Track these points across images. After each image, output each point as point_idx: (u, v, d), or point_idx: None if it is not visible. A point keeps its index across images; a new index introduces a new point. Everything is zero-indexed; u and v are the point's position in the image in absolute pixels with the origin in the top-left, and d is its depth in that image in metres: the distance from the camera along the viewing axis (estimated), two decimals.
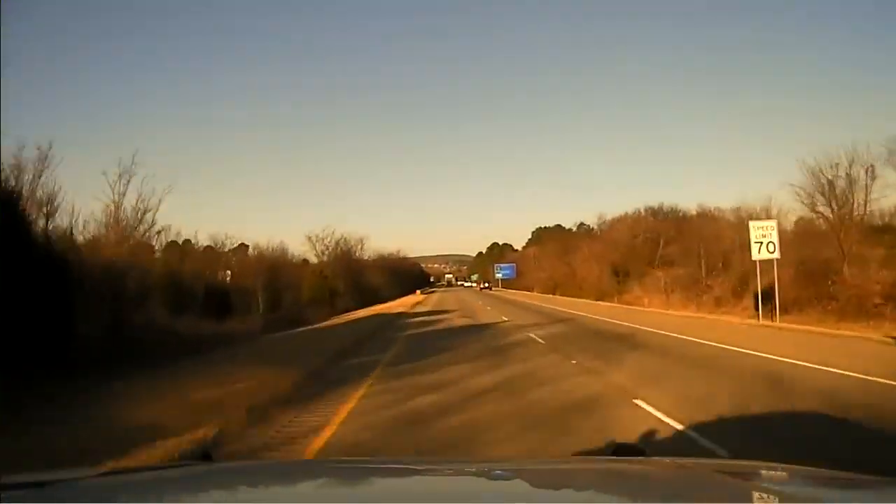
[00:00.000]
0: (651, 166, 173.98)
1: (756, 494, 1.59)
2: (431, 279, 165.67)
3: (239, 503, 1.73)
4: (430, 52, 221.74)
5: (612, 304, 41.66)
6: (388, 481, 1.89)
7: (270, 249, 55.02)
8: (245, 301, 41.19)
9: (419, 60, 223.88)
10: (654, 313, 29.61)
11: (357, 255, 66.51)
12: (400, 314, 30.75)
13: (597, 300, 48.16)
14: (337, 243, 59.52)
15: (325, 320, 33.19)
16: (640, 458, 2.15)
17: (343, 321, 29.08)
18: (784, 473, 1.87)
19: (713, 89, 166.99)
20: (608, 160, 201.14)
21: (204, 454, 2.64)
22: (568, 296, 57.39)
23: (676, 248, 48.52)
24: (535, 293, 75.81)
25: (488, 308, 35.86)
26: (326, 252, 57.22)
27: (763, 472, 1.89)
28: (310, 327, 26.90)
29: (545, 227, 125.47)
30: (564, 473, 2.03)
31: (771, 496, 1.56)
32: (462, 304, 45.16)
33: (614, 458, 2.17)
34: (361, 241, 69.92)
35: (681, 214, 58.26)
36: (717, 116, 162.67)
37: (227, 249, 51.81)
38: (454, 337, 19.23)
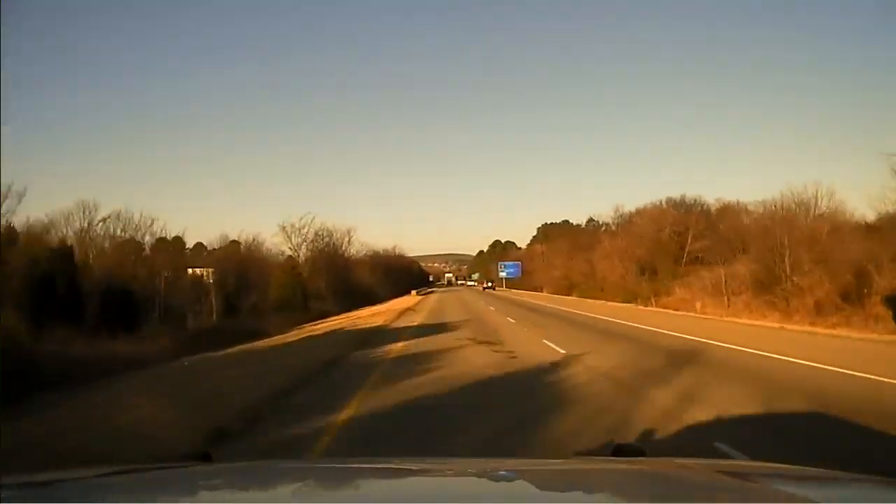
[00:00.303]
0: (652, 162, 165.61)
1: (756, 494, 1.58)
2: (431, 278, 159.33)
3: (239, 503, 1.70)
4: (428, 49, 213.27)
5: (656, 310, 33.34)
6: (387, 482, 1.86)
7: (242, 244, 46.85)
8: (197, 306, 33.01)
9: (417, 58, 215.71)
10: (750, 326, 20.92)
11: (344, 250, 57.69)
12: (378, 330, 19.28)
13: (627, 303, 40.11)
14: (317, 235, 50.47)
15: (284, 332, 24.91)
16: (640, 458, 2.09)
17: (292, 338, 20.34)
18: (784, 473, 1.87)
19: (711, 86, 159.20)
20: (610, 156, 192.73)
21: (204, 454, 2.28)
22: (588, 297, 49.15)
23: (706, 244, 43.58)
24: (545, 294, 67.68)
25: (510, 319, 23.78)
26: (304, 245, 48.30)
27: (763, 472, 1.92)
28: (244, 347, 18.42)
29: (552, 223, 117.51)
30: (565, 474, 1.99)
31: (771, 496, 1.56)
32: (468, 309, 33.83)
33: (614, 458, 2.13)
34: (349, 233, 60.63)
35: (703, 207, 52.35)
36: (717, 113, 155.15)
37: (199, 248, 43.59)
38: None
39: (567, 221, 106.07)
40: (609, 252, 51.76)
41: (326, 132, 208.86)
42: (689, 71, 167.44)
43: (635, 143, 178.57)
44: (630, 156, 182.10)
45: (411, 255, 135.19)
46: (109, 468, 1.84)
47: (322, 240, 50.13)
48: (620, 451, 2.18)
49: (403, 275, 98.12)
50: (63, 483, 1.73)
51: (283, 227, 48.97)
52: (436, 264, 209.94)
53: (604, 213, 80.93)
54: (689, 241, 49.34)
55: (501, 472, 1.90)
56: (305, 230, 49.07)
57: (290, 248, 48.56)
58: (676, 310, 32.04)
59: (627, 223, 58.64)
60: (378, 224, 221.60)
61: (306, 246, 48.46)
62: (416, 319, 24.64)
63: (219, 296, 33.07)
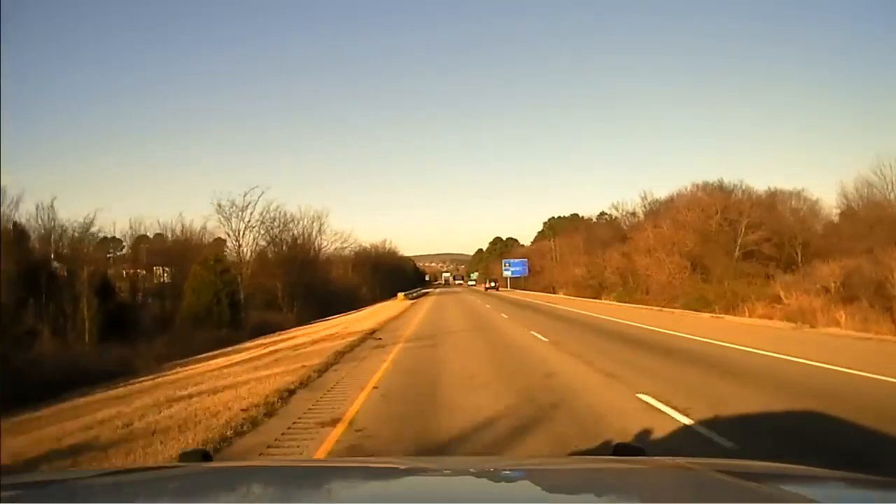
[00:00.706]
0: (664, 152, 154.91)
1: (756, 494, 1.54)
2: (427, 278, 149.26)
3: (239, 503, 1.67)
4: (420, 44, 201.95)
5: (753, 322, 21.84)
6: (387, 482, 1.84)
7: (174, 233, 35.22)
8: (61, 321, 21.38)
9: (411, 50, 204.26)
10: None
11: (313, 240, 45.60)
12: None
13: (694, 311, 28.92)
14: (263, 216, 37.68)
15: (157, 372, 13.42)
16: (639, 457, 2.06)
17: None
18: (784, 473, 1.84)
19: (721, 74, 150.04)
20: (609, 150, 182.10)
21: (204, 454, 2.25)
22: (630, 302, 37.75)
23: (762, 235, 37.37)
24: (563, 296, 56.18)
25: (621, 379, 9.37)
26: (251, 232, 36.13)
27: (763, 471, 1.87)
28: None
29: (560, 217, 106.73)
30: (564, 473, 1.95)
31: (771, 496, 1.53)
32: (493, 338, 17.38)
33: (614, 457, 2.11)
34: (319, 219, 47.94)
35: (748, 194, 43.41)
36: (713, 105, 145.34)
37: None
38: None
39: (576, 215, 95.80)
40: (653, 245, 40.57)
41: (318, 130, 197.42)
42: (697, 60, 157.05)
43: (643, 132, 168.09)
44: (639, 146, 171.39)
45: (407, 254, 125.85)
46: (109, 468, 1.83)
47: (278, 225, 37.84)
48: (620, 450, 2.15)
49: (395, 274, 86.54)
50: (63, 483, 1.73)
51: (220, 206, 36.60)
52: (433, 264, 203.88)
53: (628, 200, 68.38)
54: (742, 231, 38.52)
55: (501, 472, 1.89)
56: (250, 210, 36.68)
57: (228, 234, 35.98)
58: (806, 325, 20.55)
59: (667, 209, 47.78)
60: (372, 224, 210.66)
61: (253, 234, 36.04)
62: (354, 394, 8.88)
63: (96, 305, 21.46)
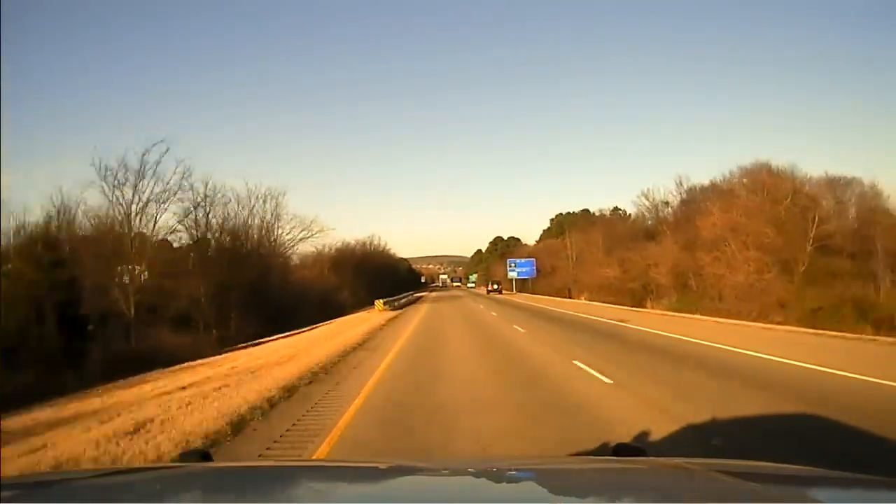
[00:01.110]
0: (654, 155, 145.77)
1: (756, 494, 1.52)
2: (423, 280, 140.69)
3: (239, 503, 1.63)
4: (414, 41, 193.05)
5: None
6: (387, 482, 1.81)
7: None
8: None
9: (402, 49, 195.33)
10: None
11: (269, 228, 35.03)
12: None
13: (827, 330, 18.82)
14: (170, 186, 26.64)
15: None
16: (640, 458, 2.01)
17: None
18: (784, 473, 1.83)
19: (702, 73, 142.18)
20: (611, 148, 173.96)
21: (204, 454, 2.22)
22: (691, 312, 27.47)
23: (838, 225, 31.79)
24: (585, 301, 46.08)
25: None
26: (155, 205, 24.93)
27: (763, 472, 1.85)
28: None
29: (570, 213, 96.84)
30: (565, 473, 1.93)
31: (771, 496, 1.52)
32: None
33: (614, 458, 2.07)
34: (275, 201, 37.15)
35: (805, 180, 34.96)
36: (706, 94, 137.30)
37: None
38: None
39: (587, 210, 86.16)
40: (720, 235, 30.32)
41: (311, 128, 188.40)
42: (693, 57, 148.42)
43: (646, 128, 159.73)
44: (640, 143, 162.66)
45: (404, 256, 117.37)
46: (109, 468, 1.87)
47: (204, 202, 26.99)
48: (620, 450, 2.11)
49: (386, 275, 76.03)
50: (63, 483, 1.71)
51: (106, 170, 25.15)
52: (430, 266, 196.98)
53: (661, 186, 57.61)
54: (816, 221, 31.40)
55: (501, 472, 1.86)
56: (150, 176, 25.25)
57: (114, 207, 24.05)
58: None
59: (718, 195, 38.02)
60: (369, 227, 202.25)
61: (156, 211, 24.63)
62: None
63: None
